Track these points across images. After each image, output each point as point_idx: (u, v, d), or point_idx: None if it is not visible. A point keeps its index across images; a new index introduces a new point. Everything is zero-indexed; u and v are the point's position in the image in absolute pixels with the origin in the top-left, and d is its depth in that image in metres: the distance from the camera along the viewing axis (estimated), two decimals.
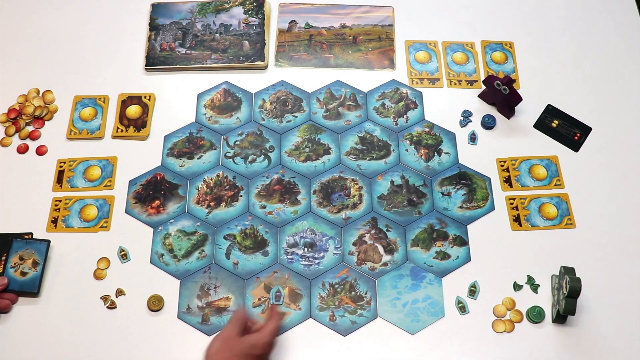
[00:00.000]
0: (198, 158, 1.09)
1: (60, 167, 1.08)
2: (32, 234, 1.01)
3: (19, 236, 1.00)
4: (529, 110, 1.13)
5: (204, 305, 0.96)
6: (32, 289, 0.96)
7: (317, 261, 1.00)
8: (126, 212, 1.04)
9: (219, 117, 1.13)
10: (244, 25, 1.21)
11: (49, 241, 0.99)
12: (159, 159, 1.09)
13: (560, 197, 1.05)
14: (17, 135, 1.11)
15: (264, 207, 1.04)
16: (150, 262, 1.00)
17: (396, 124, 1.12)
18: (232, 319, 0.88)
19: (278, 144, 1.10)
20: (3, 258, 0.99)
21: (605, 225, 1.03)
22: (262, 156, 1.09)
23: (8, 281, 0.97)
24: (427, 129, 1.11)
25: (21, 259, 0.98)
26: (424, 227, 1.02)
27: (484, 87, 1.14)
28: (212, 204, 1.04)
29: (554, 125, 1.12)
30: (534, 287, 0.98)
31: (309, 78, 1.16)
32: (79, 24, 1.23)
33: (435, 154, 1.09)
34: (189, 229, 1.02)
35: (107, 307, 0.96)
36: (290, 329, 0.95)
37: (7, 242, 0.99)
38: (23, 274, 0.97)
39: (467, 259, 1.00)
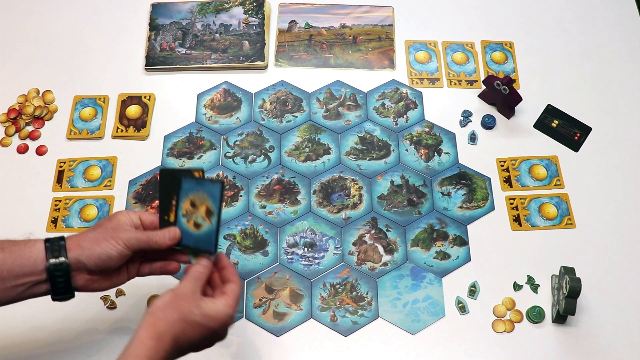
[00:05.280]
0: (198, 158, 1.09)
1: (60, 167, 1.08)
2: (202, 170, 0.79)
3: (188, 173, 0.79)
4: (529, 110, 1.13)
5: None
6: (208, 247, 0.78)
7: (317, 261, 1.00)
8: None
9: (219, 117, 1.13)
10: (244, 25, 1.21)
11: (222, 182, 0.78)
12: (159, 159, 1.09)
13: (560, 197, 1.05)
14: (17, 135, 1.11)
15: (264, 207, 1.04)
16: None
17: (396, 124, 1.12)
18: (191, 274, 0.75)
19: (278, 144, 1.10)
20: (173, 202, 0.79)
21: (605, 225, 1.03)
22: (262, 156, 1.09)
23: (181, 234, 0.78)
24: (427, 129, 1.11)
25: (193, 205, 0.78)
26: (424, 227, 1.02)
27: (484, 87, 1.14)
28: None
29: (554, 125, 1.12)
30: (534, 287, 0.98)
31: (309, 78, 1.16)
32: (78, 24, 1.23)
33: (435, 154, 1.09)
34: None
35: (107, 307, 0.96)
36: (291, 330, 0.95)
37: (176, 181, 0.79)
38: (197, 225, 0.78)
39: (467, 259, 1.00)
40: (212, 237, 0.77)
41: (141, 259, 0.82)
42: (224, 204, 0.78)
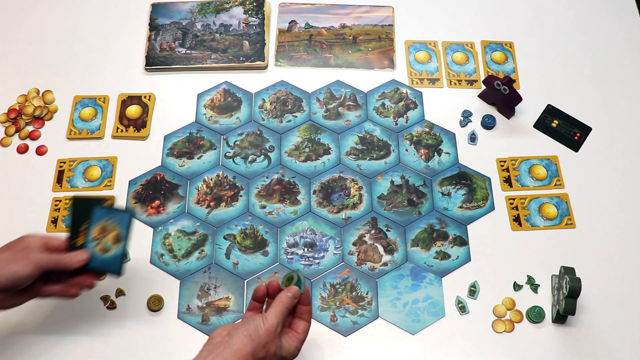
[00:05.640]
0: (198, 158, 1.09)
1: (60, 167, 1.08)
2: (113, 199, 0.88)
3: (99, 202, 0.86)
4: (529, 110, 1.13)
5: (204, 305, 0.96)
6: (114, 269, 0.85)
7: (317, 261, 1.00)
8: None
9: (219, 117, 1.13)
10: (244, 25, 1.21)
11: (132, 211, 0.88)
12: (159, 159, 1.09)
13: (560, 197, 1.05)
14: (17, 135, 1.11)
15: (264, 207, 1.04)
16: (150, 262, 1.00)
17: (396, 124, 1.12)
18: (281, 309, 0.79)
19: (278, 144, 1.10)
20: (83, 228, 0.86)
21: (605, 225, 1.03)
22: (262, 156, 1.09)
23: (89, 257, 0.84)
24: (427, 129, 1.11)
25: (102, 231, 0.86)
26: (424, 227, 1.02)
27: (484, 87, 1.14)
28: (212, 204, 1.04)
29: (554, 125, 1.12)
30: (534, 287, 0.98)
31: (309, 78, 1.16)
32: (78, 24, 1.23)
33: (435, 154, 1.09)
34: (189, 229, 1.02)
35: (107, 307, 0.96)
36: None
37: (87, 209, 0.86)
38: (105, 249, 0.85)
39: (467, 259, 1.00)
40: (118, 260, 0.85)
41: (42, 281, 0.84)
42: (132, 231, 0.87)
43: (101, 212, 0.86)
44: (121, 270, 0.86)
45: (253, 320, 0.77)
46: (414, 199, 1.05)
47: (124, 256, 0.85)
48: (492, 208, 1.04)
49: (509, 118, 1.13)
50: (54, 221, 1.03)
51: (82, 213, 0.86)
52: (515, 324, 0.95)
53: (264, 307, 0.84)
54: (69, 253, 0.84)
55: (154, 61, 1.17)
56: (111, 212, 0.86)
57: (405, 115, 1.13)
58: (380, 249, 1.01)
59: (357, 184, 1.06)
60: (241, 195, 1.05)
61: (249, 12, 1.22)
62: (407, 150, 1.09)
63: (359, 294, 0.97)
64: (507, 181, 1.06)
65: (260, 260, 1.00)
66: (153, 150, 1.09)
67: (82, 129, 1.11)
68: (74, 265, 0.83)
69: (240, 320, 0.82)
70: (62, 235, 0.86)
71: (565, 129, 1.11)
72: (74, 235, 0.86)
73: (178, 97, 1.15)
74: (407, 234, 1.02)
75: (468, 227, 1.03)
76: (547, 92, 1.15)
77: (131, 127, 1.11)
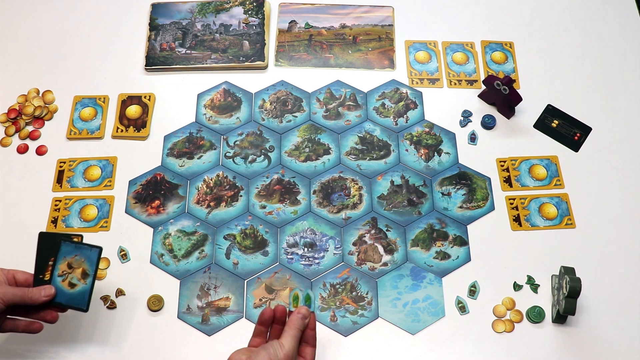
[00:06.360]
0: (198, 158, 1.09)
1: (60, 167, 1.08)
2: (81, 236, 0.89)
3: (67, 238, 0.88)
4: (529, 110, 1.13)
5: (204, 305, 0.96)
6: (80, 305, 0.86)
7: (317, 261, 1.00)
8: (126, 212, 1.04)
9: (219, 117, 1.13)
10: (244, 25, 1.21)
11: (100, 248, 0.87)
12: (159, 159, 1.09)
13: (560, 197, 1.05)
14: (17, 135, 1.11)
15: (264, 207, 1.04)
16: (150, 262, 1.00)
17: (396, 124, 1.12)
18: (295, 333, 0.80)
19: (278, 144, 1.10)
20: (50, 263, 0.87)
21: (605, 225, 1.03)
22: (262, 156, 1.09)
23: (55, 291, 0.85)
24: (427, 129, 1.11)
25: (69, 266, 0.87)
26: (424, 227, 1.02)
27: (484, 87, 1.14)
28: (212, 204, 1.04)
29: (554, 125, 1.12)
30: (534, 287, 0.98)
31: (309, 78, 1.16)
32: (78, 23, 1.23)
33: (435, 154, 1.09)
34: (189, 229, 1.02)
35: (107, 307, 0.96)
36: None
37: (55, 244, 0.87)
38: (72, 285, 0.86)
39: (467, 259, 1.00)
40: (85, 296, 0.86)
41: (5, 315, 0.84)
42: (99, 266, 0.88)
43: (69, 248, 0.87)
44: (88, 306, 0.86)
45: (271, 345, 0.78)
46: (414, 199, 1.05)
47: (91, 292, 0.86)
48: (492, 208, 1.04)
49: (509, 118, 1.13)
50: (54, 221, 1.03)
51: (49, 248, 0.87)
52: (515, 324, 0.95)
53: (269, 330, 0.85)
54: (36, 287, 0.84)
55: (154, 61, 1.17)
56: (79, 248, 0.87)
57: (405, 115, 1.13)
58: (380, 249, 1.01)
59: (357, 184, 1.06)
60: (241, 195, 1.05)
61: (249, 12, 1.22)
62: (407, 150, 1.09)
63: (359, 294, 0.97)
64: (507, 181, 1.06)
65: (260, 260, 1.00)
66: (153, 150, 1.09)
67: (82, 129, 1.11)
68: (40, 300, 0.83)
69: (248, 343, 0.83)
70: (29, 269, 0.87)
71: (565, 129, 1.11)
72: (41, 270, 0.86)
73: (178, 97, 1.15)
74: (407, 234, 1.02)
75: (468, 227, 1.03)
76: (547, 92, 1.15)
77: (131, 127, 1.11)
